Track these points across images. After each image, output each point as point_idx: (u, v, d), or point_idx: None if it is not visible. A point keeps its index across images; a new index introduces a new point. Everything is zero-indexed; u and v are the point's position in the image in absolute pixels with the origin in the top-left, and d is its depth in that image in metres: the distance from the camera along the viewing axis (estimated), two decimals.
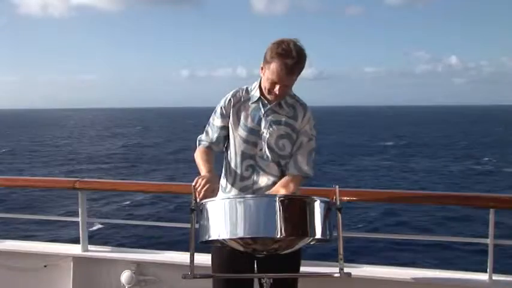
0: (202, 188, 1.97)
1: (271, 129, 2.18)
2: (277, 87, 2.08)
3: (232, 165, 2.22)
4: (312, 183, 2.69)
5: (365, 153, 32.97)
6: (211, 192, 2.00)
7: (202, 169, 2.14)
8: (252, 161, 2.19)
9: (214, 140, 2.27)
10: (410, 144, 40.01)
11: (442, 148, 36.13)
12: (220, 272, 2.20)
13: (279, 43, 2.05)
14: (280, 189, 2.13)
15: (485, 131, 55.74)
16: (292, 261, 2.19)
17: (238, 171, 2.21)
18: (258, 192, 2.18)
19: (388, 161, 29.56)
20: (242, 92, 2.25)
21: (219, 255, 2.20)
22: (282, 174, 2.21)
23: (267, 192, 2.15)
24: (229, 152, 2.25)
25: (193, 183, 2.00)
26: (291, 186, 2.15)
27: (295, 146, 2.22)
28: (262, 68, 2.14)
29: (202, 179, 2.01)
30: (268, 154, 2.18)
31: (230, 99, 2.24)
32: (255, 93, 2.22)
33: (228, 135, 2.26)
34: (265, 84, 2.13)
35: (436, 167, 26.26)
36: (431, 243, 10.07)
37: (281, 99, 2.18)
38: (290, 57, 2.01)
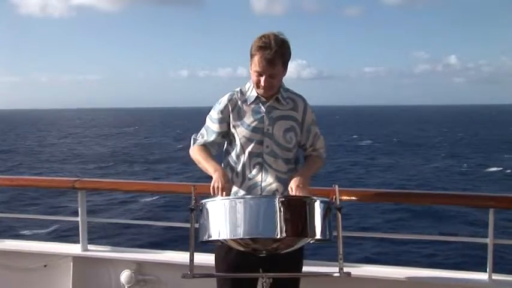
0: (223, 190, 2.02)
1: (276, 125, 2.20)
2: (262, 78, 2.12)
3: (240, 166, 2.23)
4: (312, 184, 2.70)
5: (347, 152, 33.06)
6: (230, 190, 2.08)
7: (209, 166, 2.15)
8: (259, 158, 2.21)
9: (209, 142, 2.27)
10: (399, 143, 39.99)
11: (423, 148, 35.94)
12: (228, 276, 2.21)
13: (260, 37, 2.12)
14: (310, 167, 2.26)
15: (475, 131, 55.62)
16: (295, 261, 2.20)
17: (247, 171, 2.22)
18: (266, 189, 2.19)
19: (368, 159, 29.61)
20: (238, 95, 2.26)
21: (227, 258, 2.18)
22: (290, 171, 2.23)
23: (299, 171, 2.21)
24: (232, 155, 2.25)
25: (213, 184, 2.05)
26: (319, 164, 2.31)
27: (311, 137, 2.29)
28: (250, 65, 2.18)
29: (223, 177, 2.07)
30: (276, 150, 2.20)
31: (227, 104, 2.25)
32: (252, 94, 2.24)
33: (223, 142, 2.29)
34: (253, 79, 2.17)
35: (404, 166, 26.25)
36: (431, 243, 10.07)
37: (272, 92, 2.20)
38: (269, 48, 2.07)
